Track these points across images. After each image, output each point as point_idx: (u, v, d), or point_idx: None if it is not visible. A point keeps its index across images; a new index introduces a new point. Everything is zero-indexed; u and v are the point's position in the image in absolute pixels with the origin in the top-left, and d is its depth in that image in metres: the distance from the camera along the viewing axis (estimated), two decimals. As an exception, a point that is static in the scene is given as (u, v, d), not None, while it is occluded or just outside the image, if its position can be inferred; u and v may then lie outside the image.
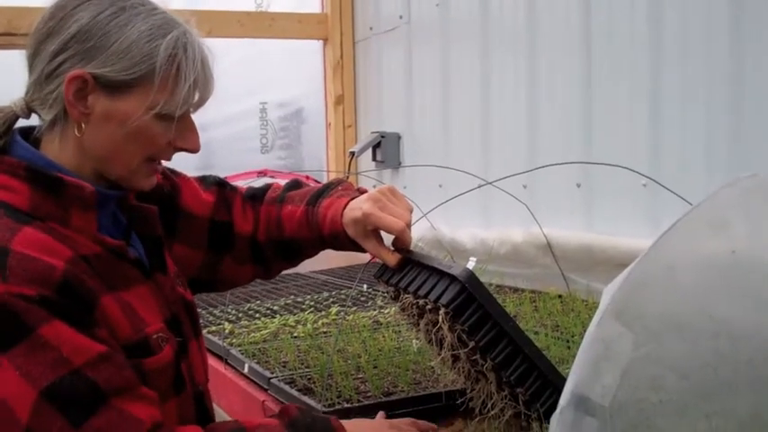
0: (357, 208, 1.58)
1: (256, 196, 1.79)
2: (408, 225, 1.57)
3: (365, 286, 3.29)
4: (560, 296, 2.83)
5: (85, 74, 1.33)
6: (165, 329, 1.44)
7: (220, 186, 1.78)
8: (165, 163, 1.69)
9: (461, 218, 3.50)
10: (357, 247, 1.63)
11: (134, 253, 1.47)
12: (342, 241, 1.63)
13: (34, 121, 1.44)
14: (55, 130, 1.40)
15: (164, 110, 1.37)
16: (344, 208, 1.61)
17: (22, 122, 1.45)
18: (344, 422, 1.48)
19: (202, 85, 1.42)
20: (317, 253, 1.78)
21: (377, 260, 1.66)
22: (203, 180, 1.78)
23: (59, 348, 1.23)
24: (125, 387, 1.28)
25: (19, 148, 1.39)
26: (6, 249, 1.26)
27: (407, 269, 1.61)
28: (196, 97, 1.41)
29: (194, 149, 1.47)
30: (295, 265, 1.84)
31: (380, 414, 1.75)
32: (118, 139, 1.38)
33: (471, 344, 1.49)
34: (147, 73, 1.35)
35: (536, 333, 2.28)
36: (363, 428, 1.52)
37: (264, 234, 1.74)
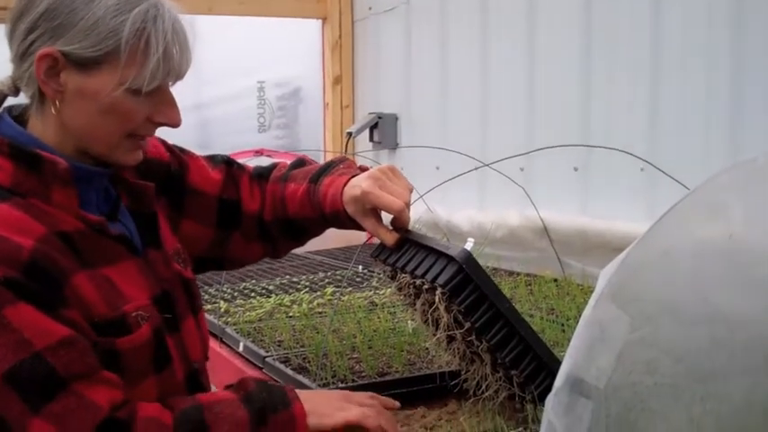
0: (356, 186, 1.58)
1: (263, 175, 1.80)
2: (407, 205, 1.56)
3: (361, 267, 3.29)
4: (556, 280, 2.83)
5: (55, 52, 1.33)
6: (148, 306, 1.43)
7: (228, 165, 1.79)
8: (171, 141, 1.72)
9: (458, 200, 3.49)
10: (357, 226, 1.63)
11: (118, 229, 1.47)
12: (342, 220, 1.63)
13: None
14: (37, 109, 1.41)
15: (134, 84, 1.36)
16: (345, 186, 1.61)
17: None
18: (301, 393, 1.48)
19: (175, 58, 1.39)
20: (321, 232, 1.78)
21: (373, 241, 1.66)
22: (211, 159, 1.78)
23: (21, 331, 1.24)
24: (85, 372, 1.28)
25: (4, 126, 1.40)
26: None
27: (405, 249, 1.61)
28: (167, 70, 1.39)
29: (173, 123, 1.45)
30: (302, 243, 1.84)
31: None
32: (93, 116, 1.38)
33: (467, 325, 1.49)
34: (114, 48, 1.34)
35: (531, 316, 2.29)
36: (318, 399, 1.50)
37: (270, 213, 1.74)
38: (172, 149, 1.71)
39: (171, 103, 1.45)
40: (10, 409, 1.24)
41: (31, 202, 1.35)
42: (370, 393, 1.60)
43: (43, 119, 1.41)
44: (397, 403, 1.60)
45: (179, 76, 1.42)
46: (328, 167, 1.72)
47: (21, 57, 1.37)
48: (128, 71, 1.35)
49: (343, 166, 1.71)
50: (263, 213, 1.75)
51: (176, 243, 1.63)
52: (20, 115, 1.44)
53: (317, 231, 1.77)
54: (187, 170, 1.71)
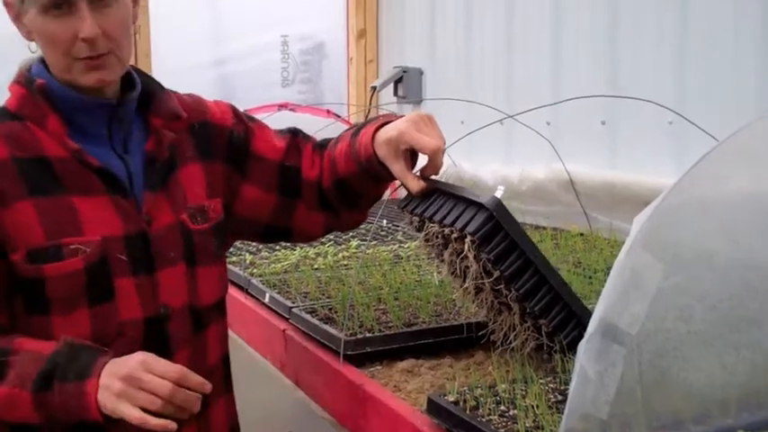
0: (393, 128, 1.59)
1: (324, 145, 1.83)
2: (442, 149, 1.56)
3: (385, 222, 3.29)
4: (582, 234, 2.82)
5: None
6: (99, 243, 1.48)
7: (294, 134, 1.83)
8: (241, 109, 1.81)
9: (483, 154, 3.47)
10: (387, 172, 1.62)
11: (104, 163, 1.52)
12: (374, 165, 1.63)
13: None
14: None
15: (37, 4, 1.46)
16: (377, 130, 1.62)
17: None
18: (115, 360, 1.41)
19: None
20: (374, 192, 1.78)
21: (396, 195, 1.66)
22: (280, 131, 1.84)
23: None
24: None
25: (34, 65, 1.57)
26: None
27: (433, 198, 1.60)
28: None
29: (87, 37, 1.47)
30: (362, 212, 1.84)
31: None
32: (43, 49, 1.52)
33: (496, 273, 1.49)
34: None
35: (557, 269, 2.27)
36: (115, 374, 1.38)
37: (328, 179, 1.76)
38: (240, 117, 1.79)
39: (83, 16, 1.48)
40: None
41: (28, 125, 1.51)
42: (177, 367, 1.42)
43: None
44: (207, 385, 1.45)
45: None
46: (368, 121, 1.73)
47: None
48: None
49: (381, 117, 1.72)
50: (321, 181, 1.77)
51: (205, 200, 1.66)
52: None
53: (370, 191, 1.77)
54: (252, 136, 1.77)
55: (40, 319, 1.47)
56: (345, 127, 2.11)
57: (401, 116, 1.69)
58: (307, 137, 1.85)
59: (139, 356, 1.41)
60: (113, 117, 1.56)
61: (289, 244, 2.92)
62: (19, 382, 1.39)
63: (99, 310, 1.49)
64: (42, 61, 1.55)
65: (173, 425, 1.36)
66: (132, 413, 1.34)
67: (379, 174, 1.65)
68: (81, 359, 1.41)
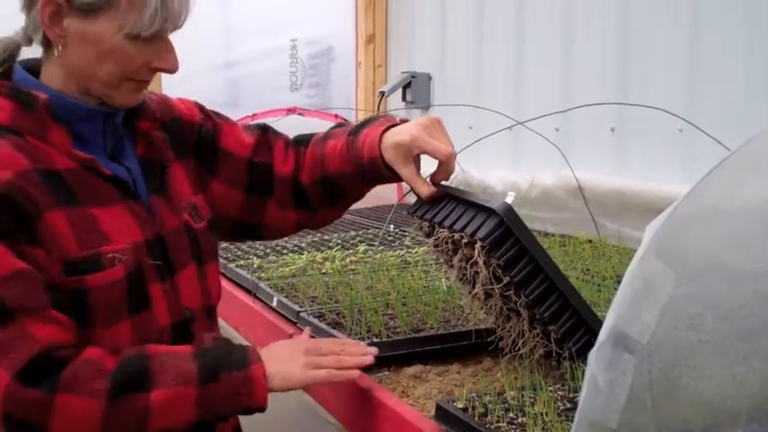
0: (404, 132, 1.58)
1: (302, 141, 1.82)
2: (455, 154, 1.56)
3: (392, 227, 3.28)
4: (590, 241, 2.81)
5: None
6: (129, 250, 1.46)
7: (263, 131, 1.82)
8: (209, 105, 1.79)
9: (492, 160, 3.46)
10: (393, 175, 1.62)
11: (117, 170, 1.51)
12: (379, 167, 1.62)
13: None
14: (45, 54, 1.49)
15: (133, 30, 1.41)
16: (384, 133, 1.62)
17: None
18: (264, 351, 1.50)
19: (174, 5, 1.44)
20: (359, 194, 1.79)
21: (405, 201, 1.66)
22: (248, 127, 1.82)
23: None
24: (33, 307, 1.33)
25: (16, 74, 1.49)
26: None
27: (443, 204, 1.60)
28: (165, 16, 1.43)
29: (171, 69, 1.50)
30: (340, 209, 1.84)
31: (306, 331, 1.77)
32: (94, 60, 1.44)
33: (506, 279, 1.48)
34: None
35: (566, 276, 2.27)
36: (282, 357, 1.51)
37: (308, 175, 1.75)
38: (207, 113, 1.77)
39: (169, 49, 1.49)
40: None
41: (29, 140, 1.42)
42: (336, 340, 1.64)
43: (50, 64, 1.48)
44: (373, 351, 1.61)
45: (176, 24, 1.47)
46: (368, 121, 1.73)
47: (29, 4, 1.44)
48: (127, 16, 1.40)
49: (383, 119, 1.71)
50: (299, 176, 1.76)
51: (193, 198, 1.66)
52: (35, 66, 1.50)
53: (355, 192, 1.77)
54: (221, 132, 1.75)
55: (81, 333, 1.42)
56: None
57: (401, 118, 1.70)
58: (277, 133, 1.83)
59: (287, 340, 1.60)
60: (107, 124, 1.53)
61: (296, 248, 2.92)
62: (181, 381, 1.39)
63: (138, 319, 1.47)
64: (27, 68, 1.49)
65: (356, 372, 1.56)
66: (321, 374, 1.51)
67: (380, 176, 1.65)
68: (235, 351, 1.47)
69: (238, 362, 1.44)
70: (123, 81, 1.47)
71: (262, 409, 1.45)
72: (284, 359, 1.51)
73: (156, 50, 1.46)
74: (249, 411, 1.47)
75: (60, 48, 1.43)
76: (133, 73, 1.47)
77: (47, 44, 1.47)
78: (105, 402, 1.34)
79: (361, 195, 1.80)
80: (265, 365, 1.45)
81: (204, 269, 1.63)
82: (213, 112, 1.80)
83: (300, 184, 1.76)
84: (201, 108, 1.78)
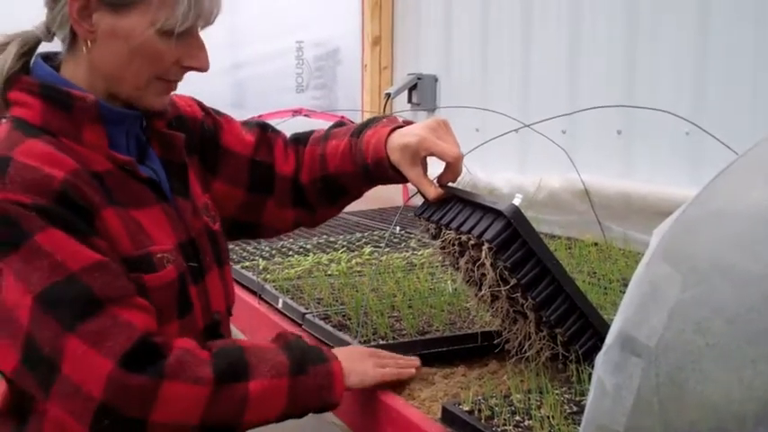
0: (411, 134, 1.58)
1: (300, 139, 1.81)
2: (462, 156, 1.57)
3: (398, 228, 3.28)
4: (596, 244, 2.80)
5: None
6: (173, 251, 1.45)
7: (262, 129, 1.80)
8: (215, 107, 1.77)
9: (498, 163, 3.46)
10: (398, 176, 1.62)
11: (147, 172, 1.49)
12: (384, 168, 1.62)
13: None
14: (69, 51, 1.44)
15: (165, 26, 1.38)
16: (389, 134, 1.61)
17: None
18: (335, 351, 1.54)
19: (206, 1, 1.42)
20: (359, 193, 1.78)
21: (411, 203, 1.66)
22: (246, 123, 1.81)
23: (54, 254, 1.27)
24: (120, 295, 1.31)
25: (38, 69, 1.44)
26: (8, 158, 1.30)
27: (450, 205, 1.60)
28: (198, 13, 1.41)
29: (202, 68, 1.48)
30: (339, 208, 1.84)
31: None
32: (124, 57, 1.40)
33: (513, 281, 1.48)
34: None
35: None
36: (354, 358, 1.55)
37: (308, 174, 1.74)
38: (207, 110, 1.75)
39: (200, 46, 1.47)
40: (43, 330, 1.26)
41: (62, 140, 1.38)
42: (388, 353, 1.67)
43: (75, 61, 1.44)
44: (416, 362, 1.66)
45: (208, 21, 1.45)
46: (371, 122, 1.72)
47: None
48: (160, 12, 1.38)
49: (386, 120, 1.71)
50: (299, 175, 1.76)
51: (205, 198, 1.66)
52: (52, 62, 1.47)
53: (356, 191, 1.77)
54: (221, 130, 1.74)
55: None
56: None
57: (405, 119, 1.70)
58: (276, 131, 1.82)
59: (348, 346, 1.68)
60: (132, 127, 1.52)
61: (301, 249, 2.92)
62: (276, 372, 1.40)
63: (185, 321, 1.47)
64: (49, 64, 1.45)
65: (413, 370, 1.64)
66: (391, 371, 1.59)
67: (384, 177, 1.65)
68: (313, 347, 1.50)
69: (319, 357, 1.47)
70: (152, 80, 1.44)
71: (336, 405, 1.48)
72: (355, 359, 1.54)
73: (187, 48, 1.44)
74: (324, 408, 1.49)
75: (89, 44, 1.40)
76: (163, 72, 1.44)
77: (72, 40, 1.43)
78: (210, 389, 1.33)
79: (360, 194, 1.80)
80: (342, 363, 1.49)
81: (224, 270, 1.63)
82: (212, 109, 1.78)
83: (300, 183, 1.76)
84: (201, 105, 1.76)
